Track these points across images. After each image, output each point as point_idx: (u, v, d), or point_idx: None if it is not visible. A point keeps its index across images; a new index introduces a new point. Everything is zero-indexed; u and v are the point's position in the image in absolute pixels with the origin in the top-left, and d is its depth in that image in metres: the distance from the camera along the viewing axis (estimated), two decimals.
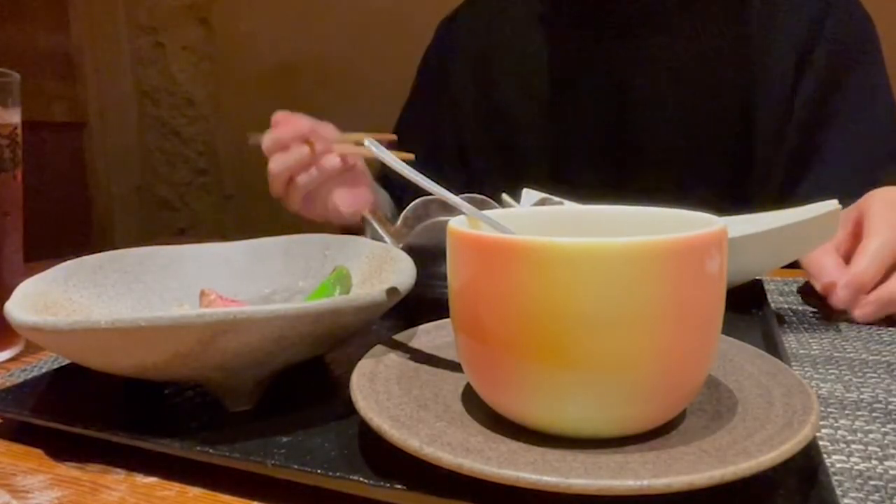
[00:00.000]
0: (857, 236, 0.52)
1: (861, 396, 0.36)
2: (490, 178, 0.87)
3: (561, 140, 0.85)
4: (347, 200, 0.80)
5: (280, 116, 0.77)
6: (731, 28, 0.79)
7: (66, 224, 2.00)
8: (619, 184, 0.81)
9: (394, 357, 0.33)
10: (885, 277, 0.50)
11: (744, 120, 0.79)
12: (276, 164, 0.76)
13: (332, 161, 0.76)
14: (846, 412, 0.34)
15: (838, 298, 0.49)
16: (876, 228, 0.51)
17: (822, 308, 0.53)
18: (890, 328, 0.48)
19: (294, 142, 0.74)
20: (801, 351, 0.43)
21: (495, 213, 0.34)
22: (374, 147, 0.36)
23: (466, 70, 0.93)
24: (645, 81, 0.81)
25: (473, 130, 0.93)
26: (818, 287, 0.51)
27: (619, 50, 0.81)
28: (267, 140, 0.76)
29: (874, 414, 0.34)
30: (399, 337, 0.36)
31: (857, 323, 0.49)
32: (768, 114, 0.78)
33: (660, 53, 0.80)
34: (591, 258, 0.24)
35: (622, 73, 0.81)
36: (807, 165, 0.77)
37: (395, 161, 0.35)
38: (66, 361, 0.40)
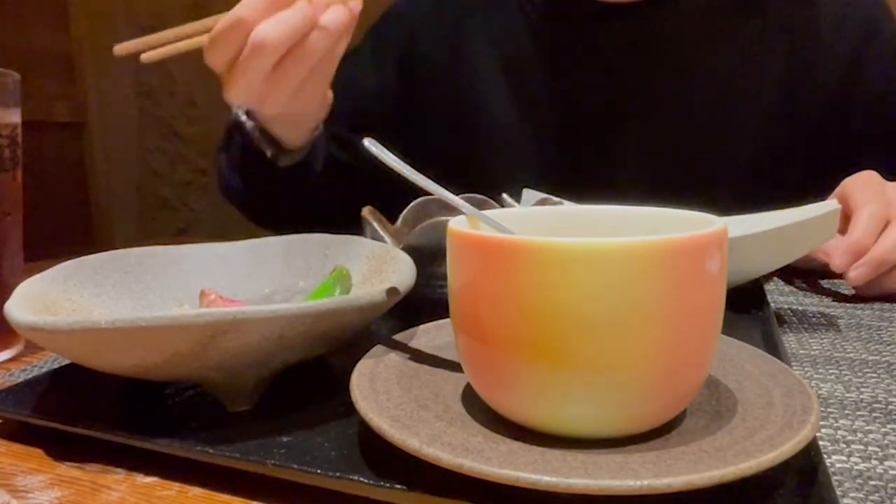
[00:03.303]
0: (843, 214, 0.57)
1: (861, 396, 0.36)
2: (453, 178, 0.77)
3: (544, 136, 0.80)
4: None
5: None
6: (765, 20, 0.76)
7: (66, 224, 2.00)
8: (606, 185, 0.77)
9: (394, 357, 0.33)
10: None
11: (778, 114, 0.76)
12: (276, 27, 0.48)
13: (339, 16, 0.50)
14: (846, 412, 0.34)
15: (841, 263, 0.54)
16: (863, 201, 0.56)
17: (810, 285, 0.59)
18: (890, 328, 0.48)
19: None
20: (801, 351, 0.43)
21: (495, 213, 0.34)
22: (373, 147, 0.36)
23: (434, 60, 0.84)
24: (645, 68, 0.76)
25: (442, 129, 0.85)
26: (819, 257, 0.56)
27: (620, 36, 0.76)
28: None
29: (874, 414, 0.34)
30: (399, 337, 0.36)
31: (858, 319, 0.49)
32: (819, 101, 0.75)
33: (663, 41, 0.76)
34: (591, 258, 0.24)
35: (619, 61, 0.77)
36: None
37: (396, 160, 0.35)
38: (66, 361, 0.40)
